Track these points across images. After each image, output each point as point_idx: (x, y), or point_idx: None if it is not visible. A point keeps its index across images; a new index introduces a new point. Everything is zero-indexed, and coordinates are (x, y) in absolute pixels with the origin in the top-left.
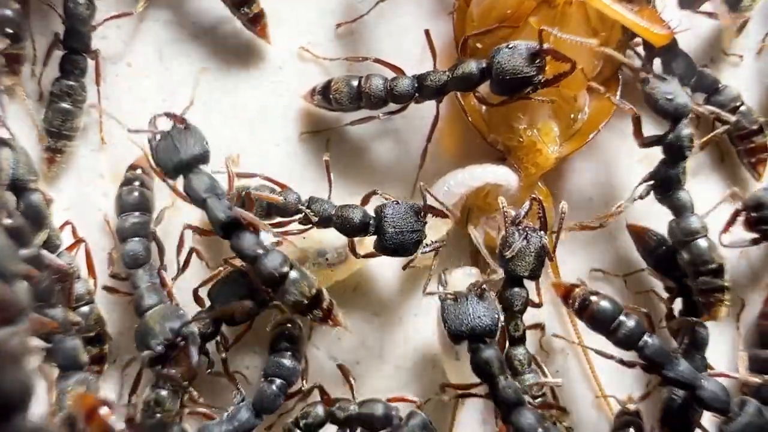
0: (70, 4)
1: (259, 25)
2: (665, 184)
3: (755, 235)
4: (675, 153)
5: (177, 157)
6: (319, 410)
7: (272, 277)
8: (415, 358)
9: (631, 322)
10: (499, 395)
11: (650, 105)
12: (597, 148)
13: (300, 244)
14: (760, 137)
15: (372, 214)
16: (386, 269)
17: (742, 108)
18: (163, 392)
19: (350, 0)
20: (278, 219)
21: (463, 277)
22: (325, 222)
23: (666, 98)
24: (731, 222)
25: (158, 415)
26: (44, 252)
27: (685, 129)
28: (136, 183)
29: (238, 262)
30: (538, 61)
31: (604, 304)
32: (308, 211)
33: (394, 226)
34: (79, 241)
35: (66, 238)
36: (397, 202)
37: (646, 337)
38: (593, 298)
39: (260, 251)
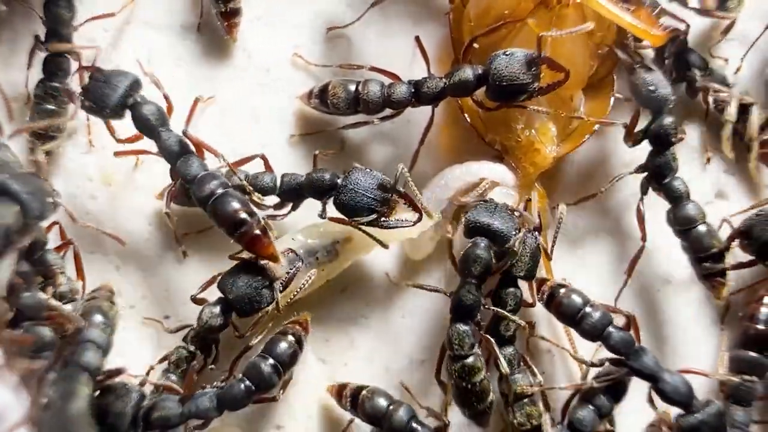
0: (51, 7)
1: (229, 21)
2: (657, 173)
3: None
4: (660, 141)
5: (114, 94)
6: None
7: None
8: (404, 359)
9: (596, 314)
10: (459, 295)
11: (634, 95)
12: (593, 147)
13: (290, 245)
14: None
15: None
16: (374, 272)
17: (754, 107)
18: (174, 377)
19: (338, 3)
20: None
21: (499, 195)
22: (296, 192)
23: (648, 89)
24: (727, 246)
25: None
26: (53, 302)
27: (667, 117)
28: None
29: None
30: (534, 69)
31: (570, 295)
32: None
33: (354, 185)
34: (67, 242)
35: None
36: (370, 169)
37: (610, 329)
38: (561, 290)
39: (201, 175)
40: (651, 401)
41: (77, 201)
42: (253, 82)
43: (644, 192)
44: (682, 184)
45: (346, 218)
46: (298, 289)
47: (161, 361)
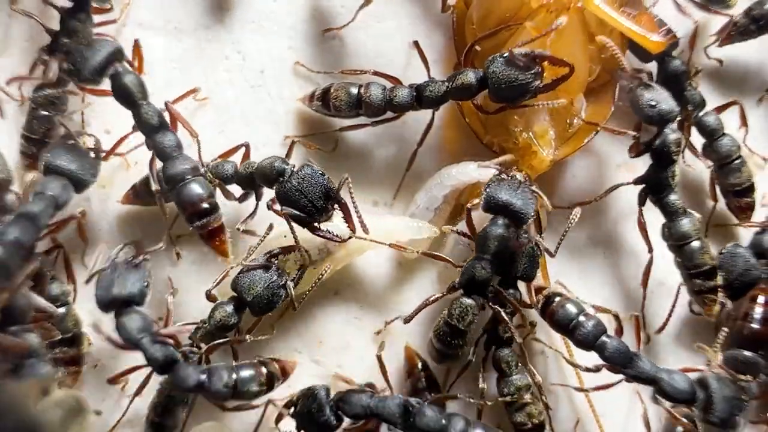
0: (77, 23)
1: None
2: (656, 188)
3: None
4: (663, 158)
5: (93, 60)
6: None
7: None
8: (398, 359)
9: (589, 324)
10: (472, 269)
11: (636, 112)
12: (593, 151)
13: (281, 244)
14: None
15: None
16: (367, 273)
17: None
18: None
19: (332, 5)
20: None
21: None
22: (251, 180)
23: (649, 105)
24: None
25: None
26: (32, 294)
27: (672, 134)
28: None
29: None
30: (534, 67)
31: (564, 305)
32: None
33: (300, 184)
34: (57, 246)
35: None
36: (322, 173)
37: (604, 338)
38: (556, 299)
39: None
40: (656, 400)
41: (72, 203)
42: (247, 84)
43: (642, 203)
44: (679, 200)
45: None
46: (315, 283)
47: None
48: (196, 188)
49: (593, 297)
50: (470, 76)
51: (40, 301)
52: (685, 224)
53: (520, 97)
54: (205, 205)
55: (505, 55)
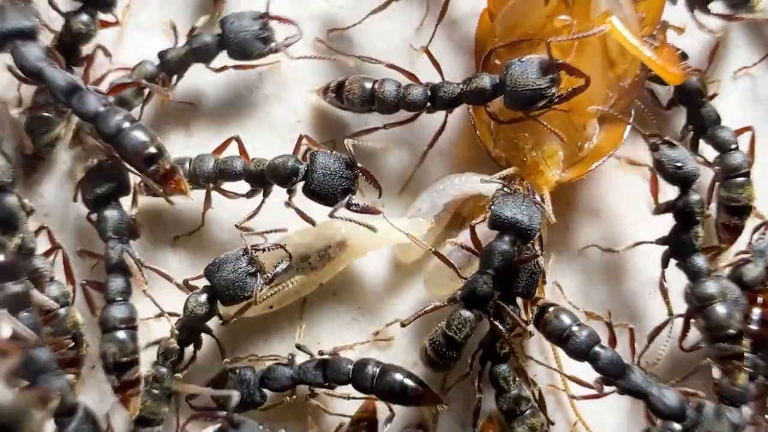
0: (80, 26)
1: None
2: (679, 249)
3: None
4: (686, 219)
5: None
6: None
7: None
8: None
9: (582, 334)
10: (474, 283)
11: (659, 171)
12: (608, 177)
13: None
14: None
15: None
16: (366, 274)
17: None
18: (163, 369)
19: (331, 5)
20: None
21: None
22: (262, 178)
23: (675, 165)
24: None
25: (156, 391)
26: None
27: (694, 194)
28: None
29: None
30: (551, 74)
31: (558, 315)
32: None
33: (323, 169)
34: (55, 247)
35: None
36: (330, 151)
37: (597, 348)
38: (550, 309)
39: (102, 109)
40: (648, 417)
41: (69, 203)
42: (245, 86)
43: (665, 265)
44: (704, 261)
45: (324, 205)
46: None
47: (149, 345)
48: (138, 135)
49: (591, 302)
50: (485, 81)
51: (41, 298)
52: (711, 286)
53: (535, 103)
54: (152, 150)
55: (524, 59)
